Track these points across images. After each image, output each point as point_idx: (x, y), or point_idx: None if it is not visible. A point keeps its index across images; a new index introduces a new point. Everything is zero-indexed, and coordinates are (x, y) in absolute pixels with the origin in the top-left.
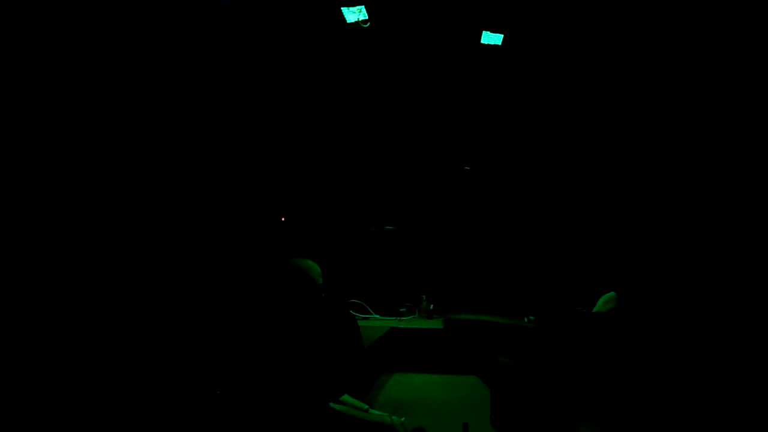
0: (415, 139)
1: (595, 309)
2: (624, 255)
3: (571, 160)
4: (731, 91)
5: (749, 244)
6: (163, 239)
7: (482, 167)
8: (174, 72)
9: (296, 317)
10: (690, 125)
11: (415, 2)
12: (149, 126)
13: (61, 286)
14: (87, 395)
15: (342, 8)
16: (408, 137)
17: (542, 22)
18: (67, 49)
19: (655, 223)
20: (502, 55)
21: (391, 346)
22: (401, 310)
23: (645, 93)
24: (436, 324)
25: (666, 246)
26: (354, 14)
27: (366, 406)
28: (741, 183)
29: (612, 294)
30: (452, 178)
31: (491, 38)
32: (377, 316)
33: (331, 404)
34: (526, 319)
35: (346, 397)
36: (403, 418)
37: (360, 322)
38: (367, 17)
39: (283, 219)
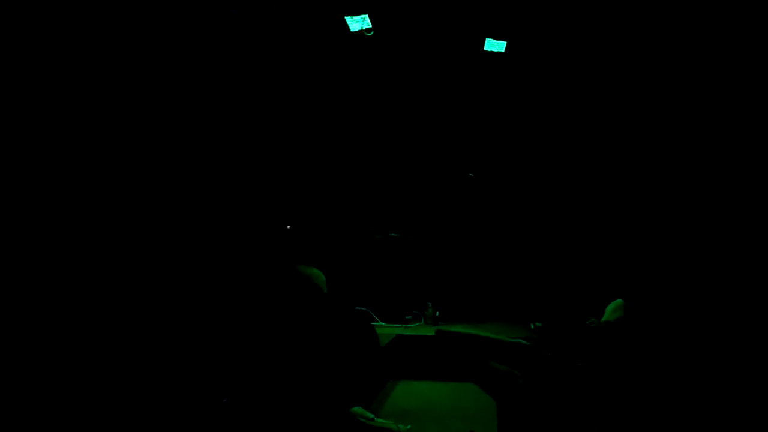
0: (420, 147)
1: (604, 318)
2: (631, 261)
3: (577, 166)
4: (739, 98)
5: (758, 248)
6: (172, 245)
7: (487, 174)
8: (182, 80)
9: (302, 326)
10: (698, 133)
11: (418, 11)
12: (159, 133)
13: (76, 291)
14: (100, 401)
15: (346, 17)
16: (412, 145)
17: (545, 29)
18: (79, 54)
19: (662, 230)
20: (506, 61)
21: (397, 353)
22: (407, 317)
23: (651, 100)
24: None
25: (674, 252)
26: (357, 23)
27: (372, 416)
28: (750, 189)
29: (619, 301)
30: (457, 184)
31: (494, 45)
32: (383, 323)
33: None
34: (532, 326)
35: (356, 409)
36: (408, 426)
37: None
38: (370, 26)
39: (288, 227)
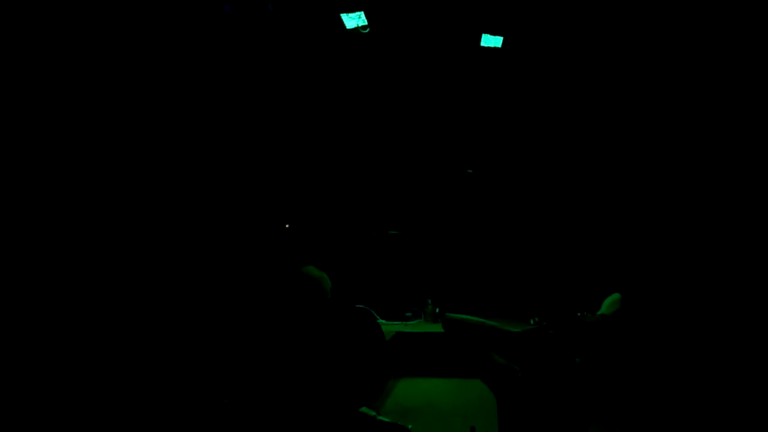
0: (418, 144)
1: (600, 311)
2: (628, 257)
3: (575, 163)
4: (737, 96)
5: (753, 245)
6: (172, 245)
7: (485, 170)
8: (181, 81)
9: (310, 326)
10: (693, 130)
11: (414, 7)
12: (155, 132)
13: (82, 291)
14: (109, 400)
15: (341, 14)
16: (410, 142)
17: (543, 24)
18: (82, 56)
19: (659, 225)
20: (503, 57)
21: (398, 350)
22: (407, 314)
23: (649, 96)
24: (441, 328)
25: (670, 247)
26: (353, 20)
27: (373, 413)
28: (745, 186)
29: (617, 296)
30: (455, 182)
31: (491, 41)
32: (383, 320)
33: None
34: (532, 321)
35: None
36: (410, 426)
37: None
38: (366, 23)
39: (287, 226)
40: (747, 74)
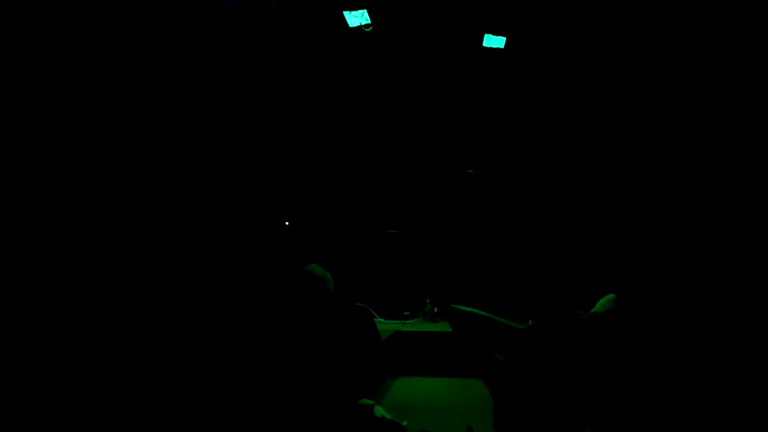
0: (418, 143)
1: (594, 309)
2: (623, 257)
3: (572, 163)
4: (729, 95)
5: (748, 245)
6: (173, 245)
7: (486, 171)
8: (180, 77)
9: (311, 325)
10: (688, 131)
11: (417, 6)
12: (156, 131)
13: (82, 291)
14: (112, 401)
15: (344, 12)
16: (410, 142)
17: (544, 25)
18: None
19: (654, 226)
20: (505, 58)
21: (396, 349)
22: (405, 313)
23: (647, 97)
24: (440, 327)
25: (665, 248)
26: (356, 18)
27: (372, 402)
28: (740, 184)
29: (611, 296)
30: (455, 181)
31: (493, 41)
32: (381, 319)
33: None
34: (530, 322)
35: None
36: (405, 422)
37: None
38: (369, 21)
39: (287, 223)
40: (744, 75)
